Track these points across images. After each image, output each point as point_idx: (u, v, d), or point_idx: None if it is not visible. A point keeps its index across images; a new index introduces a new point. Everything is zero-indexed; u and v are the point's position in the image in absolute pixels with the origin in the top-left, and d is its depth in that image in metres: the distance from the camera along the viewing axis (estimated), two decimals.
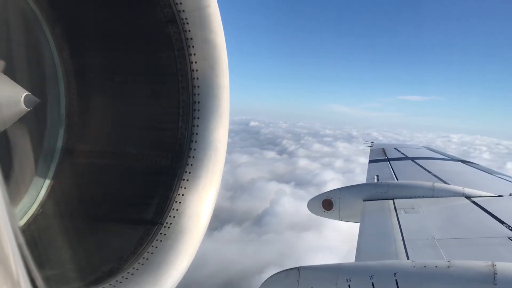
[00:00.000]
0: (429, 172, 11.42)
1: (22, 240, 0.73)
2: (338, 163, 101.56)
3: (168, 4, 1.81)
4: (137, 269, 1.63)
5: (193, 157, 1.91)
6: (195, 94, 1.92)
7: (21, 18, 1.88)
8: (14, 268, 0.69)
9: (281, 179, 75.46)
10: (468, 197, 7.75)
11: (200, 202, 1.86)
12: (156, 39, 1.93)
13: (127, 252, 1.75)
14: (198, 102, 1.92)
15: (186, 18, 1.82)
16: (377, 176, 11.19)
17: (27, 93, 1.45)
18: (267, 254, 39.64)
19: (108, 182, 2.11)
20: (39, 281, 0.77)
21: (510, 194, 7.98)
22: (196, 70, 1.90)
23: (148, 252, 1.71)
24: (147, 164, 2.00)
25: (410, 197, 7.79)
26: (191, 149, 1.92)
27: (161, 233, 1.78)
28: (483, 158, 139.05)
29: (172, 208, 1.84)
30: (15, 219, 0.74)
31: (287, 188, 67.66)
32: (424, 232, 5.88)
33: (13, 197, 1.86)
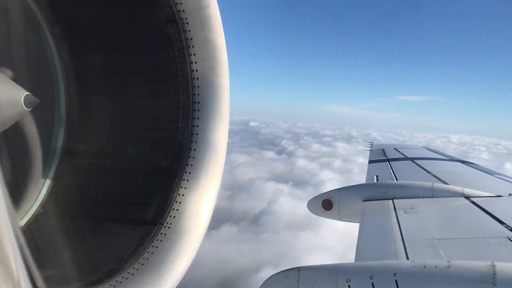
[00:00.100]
0: (429, 172, 11.43)
1: (22, 240, 0.73)
2: (337, 163, 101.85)
3: (168, 4, 1.81)
4: (137, 269, 1.63)
5: (193, 157, 1.91)
6: (195, 94, 1.92)
7: (21, 18, 1.88)
8: (15, 268, 0.69)
9: (279, 179, 75.75)
10: (467, 197, 7.75)
11: (200, 202, 1.86)
12: (156, 39, 1.93)
13: (127, 252, 1.75)
14: (198, 102, 1.92)
15: (186, 18, 1.82)
16: (377, 176, 11.20)
17: (27, 93, 1.45)
18: (264, 254, 39.83)
19: (108, 182, 2.11)
20: (40, 281, 0.77)
21: (510, 194, 7.99)
22: (196, 70, 1.90)
23: (148, 252, 1.71)
24: (147, 164, 2.00)
25: (410, 197, 7.80)
26: (191, 149, 1.92)
27: (161, 233, 1.78)
28: (482, 158, 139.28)
29: (172, 208, 1.84)
30: (15, 219, 0.74)
31: (285, 188, 67.95)
32: (423, 232, 5.88)
33: (14, 198, 1.86)
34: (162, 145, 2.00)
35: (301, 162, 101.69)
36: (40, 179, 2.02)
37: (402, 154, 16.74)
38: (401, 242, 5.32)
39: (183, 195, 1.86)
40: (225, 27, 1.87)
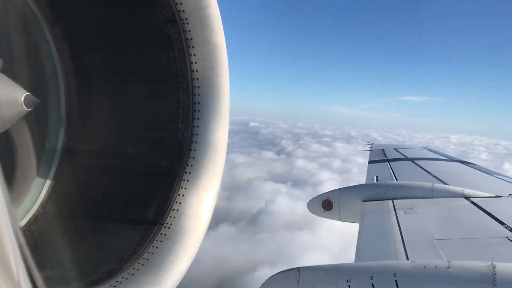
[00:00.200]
0: (429, 172, 11.43)
1: (22, 240, 0.73)
2: (336, 163, 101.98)
3: (168, 4, 1.81)
4: (137, 270, 1.63)
5: (193, 157, 1.91)
6: (195, 95, 1.92)
7: (21, 18, 1.88)
8: (15, 268, 0.69)
9: (278, 179, 75.88)
10: (467, 197, 7.75)
11: (200, 202, 1.86)
12: (156, 39, 1.93)
13: (127, 252, 1.74)
14: (198, 102, 1.92)
15: (186, 18, 1.82)
16: (377, 176, 11.20)
17: (27, 93, 1.45)
18: (260, 253, 40.03)
19: (108, 182, 2.11)
20: (40, 282, 0.77)
21: (510, 195, 7.99)
22: (196, 71, 1.90)
23: (148, 252, 1.71)
24: (147, 165, 2.00)
25: (410, 198, 7.80)
26: (191, 149, 1.92)
27: (161, 234, 1.78)
28: (481, 158, 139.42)
29: (172, 208, 1.84)
30: (15, 219, 0.74)
31: (283, 188, 68.07)
32: (423, 232, 5.88)
33: (14, 198, 1.86)
34: (162, 145, 2.00)
35: (300, 162, 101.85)
36: (40, 179, 2.02)
37: (402, 154, 16.75)
38: (401, 242, 5.32)
39: (183, 195, 1.86)
40: (225, 27, 1.87)
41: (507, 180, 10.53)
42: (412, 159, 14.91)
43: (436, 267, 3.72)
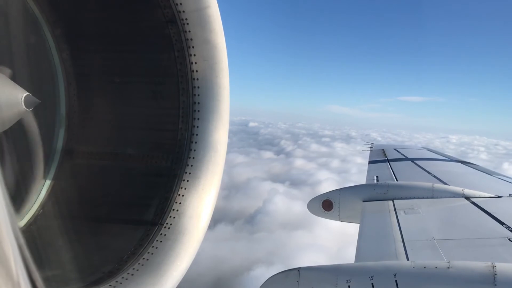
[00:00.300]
0: (429, 173, 11.43)
1: (22, 240, 0.73)
2: (335, 163, 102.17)
3: (168, 5, 1.81)
4: (137, 270, 1.63)
5: (193, 158, 1.91)
6: (195, 95, 1.92)
7: (21, 19, 1.88)
8: (14, 268, 0.68)
9: (276, 178, 76.13)
10: (467, 197, 7.75)
11: (200, 202, 1.86)
12: (156, 40, 1.93)
13: (127, 252, 1.74)
14: (198, 103, 1.92)
15: (186, 19, 1.82)
16: (377, 177, 11.20)
17: (27, 94, 1.45)
18: (257, 252, 40.30)
19: (108, 183, 2.11)
20: (39, 282, 0.77)
21: (510, 195, 7.99)
22: (196, 71, 1.90)
23: (148, 252, 1.71)
24: (147, 165, 2.00)
25: (410, 198, 7.79)
26: (191, 150, 1.92)
27: (161, 234, 1.78)
28: (481, 158, 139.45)
29: (172, 208, 1.84)
30: (15, 220, 0.74)
31: (281, 187, 68.31)
32: (423, 232, 5.88)
33: (14, 198, 1.86)
34: (162, 146, 2.00)
35: (299, 162, 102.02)
36: (40, 179, 2.02)
37: (402, 154, 16.75)
38: (401, 242, 5.32)
39: (183, 195, 1.86)
40: (225, 27, 1.87)
41: (507, 180, 10.52)
42: (412, 159, 14.91)
43: (436, 267, 3.72)
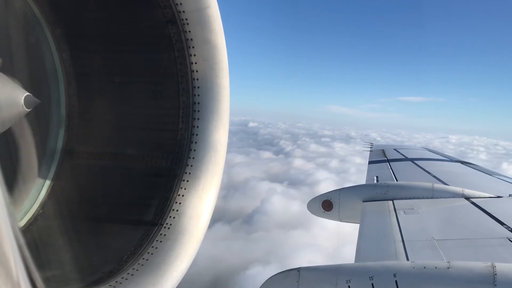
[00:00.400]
0: (429, 173, 11.43)
1: (22, 240, 0.73)
2: (333, 163, 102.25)
3: (168, 5, 1.81)
4: (137, 270, 1.63)
5: (193, 158, 1.91)
6: (195, 95, 1.92)
7: (22, 19, 1.88)
8: (14, 269, 0.68)
9: (275, 178, 76.23)
10: (467, 198, 7.75)
11: (200, 202, 1.86)
12: (156, 40, 1.93)
13: (127, 253, 1.74)
14: (198, 103, 1.92)
15: (186, 19, 1.82)
16: (377, 177, 11.20)
17: (28, 94, 1.45)
18: (254, 252, 40.47)
19: (108, 183, 2.11)
20: (39, 282, 0.77)
21: (510, 195, 7.99)
22: (196, 71, 1.90)
23: (148, 253, 1.71)
24: (147, 165, 2.00)
25: (410, 198, 7.79)
26: (191, 150, 1.92)
27: (161, 234, 1.77)
28: (480, 158, 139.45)
29: (172, 208, 1.84)
30: (15, 220, 0.74)
31: (280, 187, 68.42)
32: (423, 233, 5.88)
33: (14, 198, 1.86)
34: (162, 146, 2.00)
35: (298, 162, 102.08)
36: (40, 179, 2.02)
37: (402, 154, 16.75)
38: (401, 242, 5.32)
39: (182, 195, 1.86)
40: (225, 27, 1.86)
41: (507, 180, 10.52)
42: (412, 160, 14.91)
43: (436, 267, 3.72)
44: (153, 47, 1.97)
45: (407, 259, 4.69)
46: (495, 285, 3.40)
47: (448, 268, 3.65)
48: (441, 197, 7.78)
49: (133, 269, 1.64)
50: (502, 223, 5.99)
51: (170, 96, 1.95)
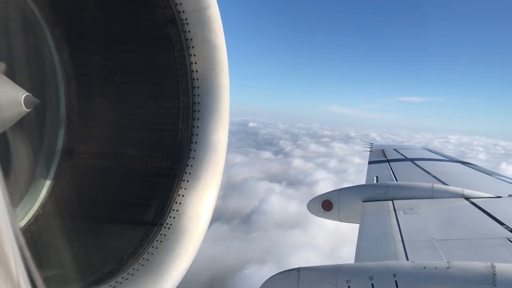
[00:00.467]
0: (429, 173, 11.43)
1: (22, 241, 0.73)
2: (332, 163, 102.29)
3: (168, 5, 1.81)
4: (137, 270, 1.63)
5: (193, 158, 1.91)
6: (195, 95, 1.92)
7: (21, 19, 1.88)
8: (14, 269, 0.68)
9: (273, 178, 76.29)
10: (467, 198, 7.75)
11: (200, 202, 1.86)
12: (156, 40, 1.93)
13: (127, 253, 1.74)
14: (198, 103, 1.92)
15: (186, 19, 1.82)
16: (377, 177, 11.20)
17: (27, 94, 1.45)
18: (251, 251, 40.59)
19: (108, 183, 2.11)
20: (39, 282, 0.77)
21: (509, 195, 7.99)
22: (196, 71, 1.90)
23: (148, 253, 1.71)
24: (147, 165, 2.00)
25: (410, 198, 7.79)
26: (191, 150, 1.92)
27: (161, 234, 1.77)
28: (479, 158, 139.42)
29: (172, 209, 1.84)
30: (15, 220, 0.74)
31: (278, 187, 68.45)
32: (423, 233, 5.88)
33: (14, 198, 1.86)
34: (162, 146, 2.00)
35: (297, 162, 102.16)
36: (40, 179, 2.02)
37: (402, 155, 16.75)
38: (401, 243, 5.32)
39: (183, 195, 1.86)
40: (225, 27, 1.87)
41: (507, 180, 10.53)
42: (412, 160, 14.91)
43: (436, 267, 3.72)
44: (153, 47, 1.97)
45: (407, 259, 4.69)
46: (495, 285, 3.40)
47: (448, 268, 3.65)
48: (441, 197, 7.78)
49: (133, 269, 1.64)
50: (501, 223, 5.99)
51: (170, 96, 1.95)
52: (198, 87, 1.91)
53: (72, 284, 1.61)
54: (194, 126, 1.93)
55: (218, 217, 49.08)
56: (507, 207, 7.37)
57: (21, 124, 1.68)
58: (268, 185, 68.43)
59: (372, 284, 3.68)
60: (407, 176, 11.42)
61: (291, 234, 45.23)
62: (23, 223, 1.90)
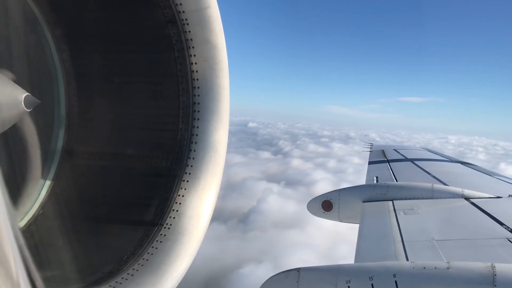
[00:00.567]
0: (429, 173, 11.43)
1: (22, 241, 0.73)
2: (331, 163, 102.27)
3: (168, 5, 1.81)
4: (137, 270, 1.63)
5: (193, 158, 1.91)
6: (195, 95, 1.92)
7: (21, 19, 1.88)
8: (14, 269, 0.68)
9: (272, 178, 76.32)
10: (467, 198, 7.75)
11: (200, 203, 1.86)
12: (156, 40, 1.93)
13: (127, 253, 1.74)
14: (198, 103, 1.92)
15: (186, 19, 1.82)
16: (377, 177, 11.20)
17: (27, 94, 1.45)
18: (249, 251, 40.69)
19: (108, 183, 2.11)
20: (39, 282, 0.77)
21: (510, 196, 7.99)
22: (196, 71, 1.90)
23: (148, 253, 1.71)
24: (147, 165, 2.00)
25: (410, 199, 7.80)
26: (191, 150, 1.92)
27: (161, 234, 1.77)
28: (479, 159, 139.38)
29: (172, 209, 1.84)
30: (15, 220, 0.74)
31: (276, 187, 68.40)
32: (423, 233, 5.88)
33: (14, 198, 1.86)
34: (162, 146, 2.00)
35: (296, 162, 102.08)
36: (40, 179, 2.02)
37: (402, 155, 16.75)
38: (401, 243, 5.32)
39: (182, 196, 1.86)
40: (225, 27, 1.87)
41: (507, 181, 10.52)
42: (412, 160, 14.91)
43: (435, 268, 3.72)
44: (153, 47, 1.97)
45: (407, 260, 4.69)
46: (495, 285, 3.40)
47: (447, 268, 3.65)
48: (441, 198, 7.78)
49: (133, 269, 1.64)
50: (501, 224, 5.99)
51: (170, 96, 1.95)
52: (198, 87, 1.91)
53: (72, 284, 1.61)
54: (194, 126, 1.93)
55: (216, 216, 49.03)
56: (507, 208, 7.37)
57: (21, 124, 1.69)
58: (266, 185, 68.55)
59: (372, 284, 3.68)
60: (407, 176, 11.42)
61: (288, 234, 45.32)
62: (23, 223, 1.89)
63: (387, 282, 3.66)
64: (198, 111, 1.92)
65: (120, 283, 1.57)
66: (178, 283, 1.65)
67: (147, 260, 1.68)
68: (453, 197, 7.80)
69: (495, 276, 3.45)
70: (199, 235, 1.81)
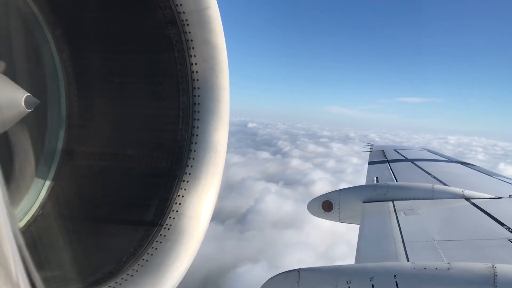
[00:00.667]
0: (429, 173, 11.42)
1: (22, 241, 0.72)
2: (330, 163, 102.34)
3: (168, 6, 1.81)
4: (137, 271, 1.63)
5: (193, 158, 1.91)
6: (195, 96, 1.92)
7: (22, 20, 1.88)
8: (14, 269, 0.68)
9: (271, 178, 76.46)
10: (467, 198, 7.75)
11: (200, 203, 1.86)
12: (156, 41, 1.93)
13: (126, 253, 1.74)
14: (198, 103, 1.92)
15: (186, 20, 1.82)
16: (377, 177, 11.19)
17: (28, 94, 1.44)
18: (245, 250, 40.98)
19: (108, 183, 2.11)
20: (39, 283, 0.76)
21: (510, 196, 7.99)
22: (196, 72, 1.90)
23: (148, 253, 1.71)
24: (147, 166, 2.00)
25: (410, 199, 7.79)
26: (191, 150, 1.92)
27: (160, 235, 1.77)
28: (478, 159, 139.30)
29: (172, 209, 1.84)
30: (15, 220, 0.74)
31: (275, 187, 68.54)
32: (424, 233, 5.87)
33: (13, 198, 1.86)
34: (162, 146, 1.99)
35: (295, 163, 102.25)
36: (40, 180, 2.02)
37: (402, 155, 16.74)
38: (401, 243, 5.32)
39: (182, 196, 1.86)
40: (225, 28, 1.86)
41: (507, 181, 10.52)
42: (412, 160, 14.90)
43: (436, 268, 3.72)
44: (153, 47, 1.97)
45: (408, 260, 4.69)
46: (496, 286, 3.39)
47: (448, 269, 3.65)
48: (441, 198, 7.77)
49: (133, 270, 1.64)
50: (502, 224, 5.98)
51: (170, 96, 1.95)
52: (198, 88, 1.91)
53: (72, 284, 1.61)
54: (194, 127, 1.93)
55: (214, 216, 48.98)
56: (507, 208, 7.36)
57: (21, 124, 1.68)
58: (264, 185, 68.63)
59: (372, 285, 3.67)
60: (407, 176, 11.42)
61: (286, 234, 45.47)
62: (23, 223, 1.89)
63: (387, 282, 3.66)
64: (198, 112, 1.92)
65: (120, 284, 1.57)
66: (178, 283, 1.65)
67: (147, 260, 1.68)
68: (454, 198, 7.79)
69: (496, 277, 3.45)
70: (199, 235, 1.81)
